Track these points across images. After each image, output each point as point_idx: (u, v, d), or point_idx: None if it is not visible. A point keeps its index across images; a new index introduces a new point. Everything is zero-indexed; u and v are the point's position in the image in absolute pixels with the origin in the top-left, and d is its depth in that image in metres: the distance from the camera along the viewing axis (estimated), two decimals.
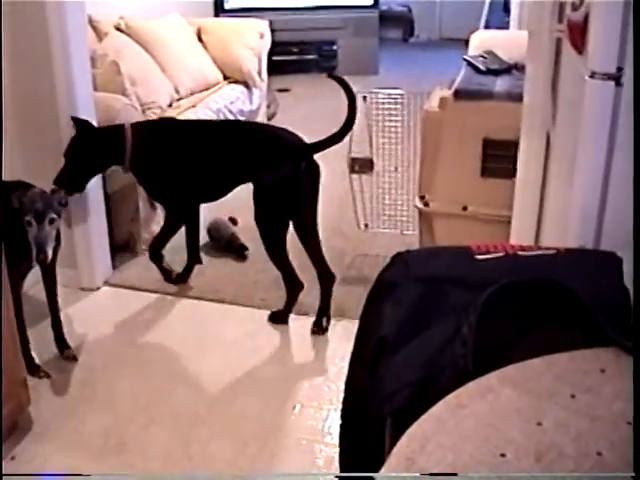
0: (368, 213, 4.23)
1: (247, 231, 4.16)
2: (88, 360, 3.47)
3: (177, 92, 5.33)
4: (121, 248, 4.28)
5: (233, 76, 6.09)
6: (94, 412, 3.14)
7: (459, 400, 1.31)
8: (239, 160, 3.56)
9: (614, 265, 1.70)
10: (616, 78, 1.80)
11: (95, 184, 3.88)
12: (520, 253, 1.80)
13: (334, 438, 2.79)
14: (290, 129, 3.68)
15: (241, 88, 6.08)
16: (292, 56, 8.69)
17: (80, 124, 3.64)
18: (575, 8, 2.03)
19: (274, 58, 7.21)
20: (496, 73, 3.73)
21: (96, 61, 4.49)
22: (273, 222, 3.53)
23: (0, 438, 2.64)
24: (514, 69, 3.72)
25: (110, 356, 3.52)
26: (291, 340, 3.68)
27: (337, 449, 1.95)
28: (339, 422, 1.93)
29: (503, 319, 1.48)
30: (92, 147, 3.66)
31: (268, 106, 6.78)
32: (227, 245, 4.42)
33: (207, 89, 5.73)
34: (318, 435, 2.98)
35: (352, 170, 4.08)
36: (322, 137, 3.48)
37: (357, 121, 3.65)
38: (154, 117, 4.73)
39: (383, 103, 3.94)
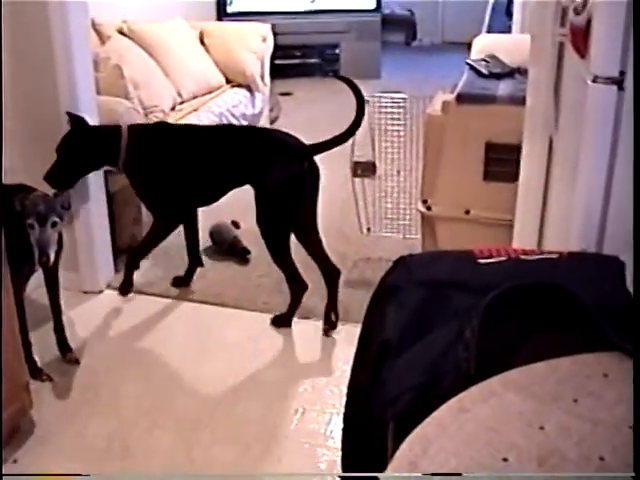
0: (370, 217, 4.23)
1: (249, 234, 4.16)
2: (90, 363, 3.47)
3: (180, 96, 5.34)
4: (124, 251, 4.28)
5: (236, 80, 6.10)
6: (97, 416, 3.14)
7: (462, 404, 1.31)
8: (235, 164, 3.56)
9: (617, 269, 1.70)
10: (619, 82, 1.79)
11: (97, 186, 3.88)
12: (523, 257, 1.79)
13: (336, 442, 2.78)
14: (291, 132, 3.68)
15: (244, 92, 6.09)
16: (295, 60, 8.70)
17: (75, 120, 3.61)
18: (578, 12, 2.03)
19: (277, 62, 7.21)
20: (499, 77, 3.73)
21: (99, 64, 4.50)
22: (276, 224, 3.53)
23: (0, 439, 2.63)
24: (517, 73, 3.72)
25: (113, 359, 3.52)
26: (294, 344, 3.68)
27: (339, 453, 1.94)
28: (341, 426, 1.93)
29: (506, 323, 1.48)
30: (86, 145, 3.62)
31: (271, 110, 6.78)
32: (229, 249, 4.43)
33: (210, 93, 5.74)
34: (320, 439, 2.98)
35: (354, 174, 4.09)
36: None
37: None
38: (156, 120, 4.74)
39: (386, 107, 3.94)
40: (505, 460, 1.16)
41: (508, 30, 6.96)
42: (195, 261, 4.14)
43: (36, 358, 3.30)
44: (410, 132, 3.96)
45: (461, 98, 3.51)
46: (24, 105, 3.70)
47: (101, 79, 4.31)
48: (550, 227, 2.84)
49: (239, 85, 6.11)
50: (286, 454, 2.91)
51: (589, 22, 1.92)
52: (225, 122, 5.56)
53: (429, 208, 3.69)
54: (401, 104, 3.93)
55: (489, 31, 7.78)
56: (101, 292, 4.04)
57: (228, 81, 6.06)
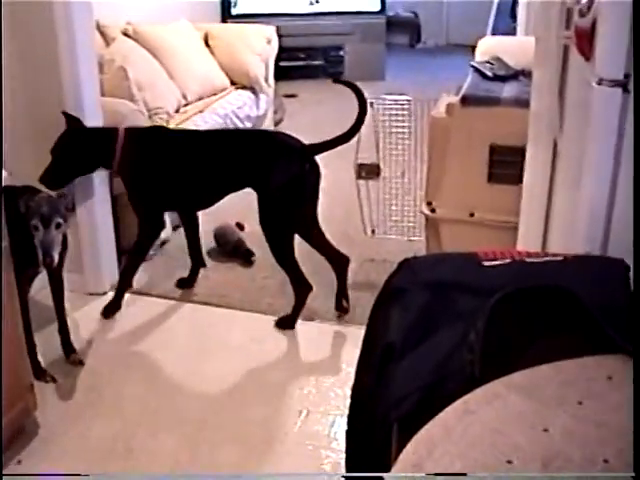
0: (375, 219, 4.23)
1: (254, 236, 4.16)
2: (94, 364, 3.47)
3: (184, 97, 5.34)
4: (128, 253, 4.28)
5: (240, 82, 6.11)
6: (100, 417, 3.14)
7: (466, 406, 1.31)
8: (233, 169, 3.56)
9: (621, 272, 1.70)
10: (623, 85, 1.79)
11: (101, 188, 3.88)
12: (527, 260, 1.79)
13: (340, 444, 2.80)
14: (295, 134, 3.68)
15: (248, 94, 6.10)
16: (299, 62, 8.71)
17: (71, 121, 3.59)
18: (582, 14, 2.03)
19: (281, 64, 7.23)
20: (503, 79, 3.73)
21: (103, 66, 4.51)
22: (280, 225, 3.54)
23: (0, 440, 2.63)
24: (521, 75, 3.72)
25: (116, 361, 3.52)
26: (298, 345, 3.68)
27: (343, 455, 1.94)
28: (345, 428, 1.93)
29: (510, 325, 1.48)
30: (81, 146, 3.61)
31: (275, 112, 6.79)
32: (233, 250, 4.43)
33: (214, 94, 5.75)
34: (324, 441, 2.98)
35: (359, 176, 4.09)
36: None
37: (364, 127, 3.66)
38: (161, 122, 4.74)
39: (390, 109, 3.94)
40: (509, 462, 1.16)
41: (512, 32, 6.95)
42: (198, 262, 4.15)
43: (40, 359, 3.30)
44: (414, 134, 3.96)
45: (466, 100, 3.51)
46: (29, 106, 3.70)
47: (105, 81, 4.32)
48: (554, 230, 2.84)
49: (243, 87, 6.12)
50: (290, 456, 2.91)
51: (594, 24, 1.92)
52: (229, 123, 5.56)
53: (433, 210, 3.69)
54: (405, 106, 3.93)
55: (493, 33, 7.78)
56: (105, 294, 4.03)
57: (232, 83, 6.07)
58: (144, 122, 4.38)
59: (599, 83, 1.84)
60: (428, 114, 3.78)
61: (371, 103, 3.87)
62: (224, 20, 8.28)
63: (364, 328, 1.91)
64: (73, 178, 3.59)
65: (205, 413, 3.16)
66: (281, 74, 7.23)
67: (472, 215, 3.59)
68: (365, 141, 3.91)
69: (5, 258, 2.68)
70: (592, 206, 1.97)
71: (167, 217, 4.44)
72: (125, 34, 5.29)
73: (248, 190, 3.58)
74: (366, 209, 4.19)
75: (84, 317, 3.81)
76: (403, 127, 3.96)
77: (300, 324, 3.73)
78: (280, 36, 6.71)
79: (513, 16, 7.76)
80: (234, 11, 8.49)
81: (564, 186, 2.61)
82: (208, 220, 4.34)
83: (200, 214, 4.01)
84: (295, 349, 3.66)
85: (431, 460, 1.18)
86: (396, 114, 3.94)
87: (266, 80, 6.33)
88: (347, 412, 1.93)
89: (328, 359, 3.55)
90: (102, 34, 5.13)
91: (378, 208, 4.19)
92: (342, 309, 3.81)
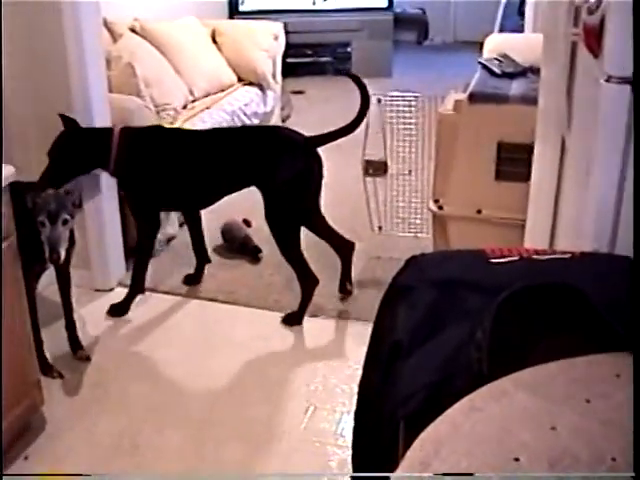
0: (382, 216, 4.23)
1: (261, 233, 4.16)
2: (100, 361, 3.48)
3: (192, 94, 5.34)
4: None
5: (247, 78, 6.10)
6: (107, 413, 3.14)
7: (473, 404, 1.30)
8: (234, 167, 3.57)
9: (629, 269, 1.69)
10: (632, 82, 1.79)
11: (109, 185, 3.88)
12: (535, 257, 1.79)
13: (347, 441, 2.80)
14: (302, 130, 3.69)
15: (255, 90, 6.10)
16: (306, 58, 8.70)
17: (67, 122, 3.57)
18: (591, 11, 2.02)
19: (288, 60, 7.22)
20: (511, 76, 3.72)
21: (111, 63, 4.51)
22: (286, 220, 3.55)
23: (0, 439, 2.64)
24: (529, 72, 3.71)
25: (123, 357, 3.53)
26: (304, 342, 3.68)
27: (350, 452, 1.94)
28: (352, 425, 1.93)
29: (517, 323, 1.47)
30: (77, 147, 3.60)
31: (282, 108, 6.79)
32: (241, 247, 4.43)
33: (222, 91, 5.75)
34: (331, 438, 2.98)
35: (366, 173, 4.09)
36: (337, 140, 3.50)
37: (371, 124, 3.66)
38: (169, 119, 4.74)
39: (397, 106, 3.94)
40: (516, 460, 1.16)
41: (520, 29, 6.93)
42: (202, 258, 4.16)
43: (47, 355, 3.31)
44: (422, 131, 3.96)
45: (473, 97, 3.50)
46: (36, 103, 3.71)
47: (113, 77, 4.32)
48: (562, 227, 2.83)
49: (251, 83, 6.12)
50: (296, 453, 2.91)
51: (602, 21, 1.91)
52: (237, 120, 5.56)
53: (441, 207, 3.69)
54: (413, 103, 3.93)
55: (501, 30, 7.76)
56: (112, 290, 4.04)
57: (240, 79, 6.07)
58: (152, 118, 4.38)
59: (607, 80, 1.83)
60: (435, 111, 3.78)
61: (378, 100, 3.87)
62: (231, 17, 8.28)
63: (371, 325, 1.91)
64: (70, 179, 3.52)
65: (211, 410, 3.16)
66: (288, 71, 7.22)
67: (479, 212, 3.58)
68: (372, 138, 3.91)
69: (13, 254, 2.69)
70: (600, 203, 1.96)
71: (173, 214, 4.45)
72: (132, 30, 5.29)
73: (254, 187, 3.58)
74: (373, 206, 4.19)
75: (91, 313, 3.81)
76: (410, 124, 3.96)
77: (306, 321, 3.73)
78: (287, 32, 6.71)
79: (520, 13, 7.75)
80: (241, 8, 8.49)
81: (572, 183, 2.60)
82: (215, 217, 4.35)
83: (207, 211, 4.00)
84: (301, 346, 3.67)
85: (438, 458, 1.18)
86: (403, 111, 3.94)
87: (273, 77, 6.33)
88: (354, 409, 1.93)
89: (335, 356, 3.55)
90: (109, 30, 5.13)
91: (385, 205, 4.19)
92: (346, 291, 3.90)
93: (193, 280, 4.12)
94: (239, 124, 5.56)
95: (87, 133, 3.66)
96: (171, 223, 4.47)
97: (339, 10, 8.76)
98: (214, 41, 6.16)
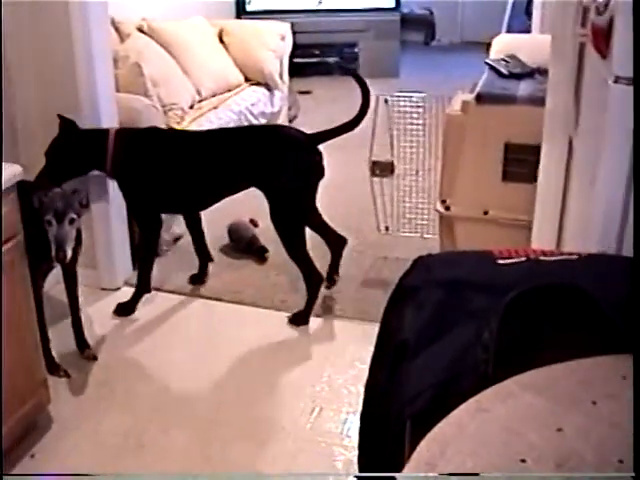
0: (389, 216, 4.23)
1: (267, 233, 4.15)
2: (107, 360, 3.48)
3: (199, 94, 5.34)
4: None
5: (254, 78, 6.10)
6: (113, 412, 3.15)
7: (479, 405, 1.30)
8: (234, 168, 3.57)
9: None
10: (632, 82, 1.78)
11: (116, 184, 3.88)
12: (542, 258, 1.79)
13: (353, 441, 2.79)
14: (308, 130, 3.69)
15: (262, 90, 6.09)
16: (313, 58, 8.69)
17: (65, 124, 3.57)
18: (599, 12, 2.02)
19: (295, 60, 7.21)
20: (519, 77, 3.71)
21: (118, 62, 4.51)
22: (292, 218, 3.56)
23: (0, 437, 2.64)
24: (537, 73, 3.70)
25: (129, 356, 3.53)
26: (310, 342, 3.68)
27: (356, 452, 1.94)
28: (358, 425, 1.93)
29: (524, 324, 1.47)
30: (73, 148, 3.60)
31: (289, 108, 6.78)
32: (247, 247, 4.43)
33: (229, 91, 5.74)
34: (337, 438, 2.98)
35: (373, 173, 4.09)
36: (343, 140, 3.50)
37: (378, 124, 3.65)
38: (176, 118, 4.75)
39: (404, 106, 3.93)
40: (523, 461, 1.16)
41: (528, 30, 6.92)
42: (205, 258, 4.17)
43: (54, 354, 3.32)
44: (429, 132, 3.96)
45: (481, 98, 3.49)
46: (44, 102, 3.71)
47: (120, 77, 4.32)
48: (569, 228, 2.82)
49: (258, 83, 6.11)
50: (302, 453, 2.91)
51: (611, 22, 1.91)
52: (244, 120, 5.56)
53: (448, 208, 3.68)
54: (420, 104, 3.93)
55: (509, 31, 7.74)
56: (119, 289, 4.05)
57: (247, 79, 6.06)
58: (159, 118, 4.38)
59: (615, 81, 1.83)
60: (443, 112, 3.77)
61: (385, 100, 3.87)
62: (239, 16, 8.28)
63: (377, 325, 1.90)
64: (66, 179, 3.53)
65: (216, 410, 3.17)
66: (295, 71, 7.21)
67: (486, 213, 3.58)
68: (379, 138, 3.91)
69: (20, 253, 2.69)
70: (607, 204, 1.96)
71: None
72: (140, 30, 5.29)
73: None
74: (380, 206, 4.19)
75: (98, 312, 3.82)
76: (417, 124, 3.96)
77: (313, 321, 3.74)
78: (294, 33, 6.70)
79: (528, 14, 7.73)
80: (249, 8, 8.48)
81: (579, 185, 2.60)
82: (222, 216, 4.35)
83: (214, 210, 3.99)
84: (307, 346, 3.66)
85: (444, 458, 1.18)
86: (410, 111, 3.94)
87: (280, 77, 6.33)
88: (360, 409, 1.93)
89: (340, 356, 3.54)
90: (117, 30, 5.13)
91: (392, 205, 4.19)
92: (332, 281, 3.94)
93: (197, 280, 4.12)
94: (246, 124, 5.56)
95: (83, 134, 3.64)
96: (177, 223, 4.47)
97: (346, 10, 8.74)
98: (221, 41, 6.15)
